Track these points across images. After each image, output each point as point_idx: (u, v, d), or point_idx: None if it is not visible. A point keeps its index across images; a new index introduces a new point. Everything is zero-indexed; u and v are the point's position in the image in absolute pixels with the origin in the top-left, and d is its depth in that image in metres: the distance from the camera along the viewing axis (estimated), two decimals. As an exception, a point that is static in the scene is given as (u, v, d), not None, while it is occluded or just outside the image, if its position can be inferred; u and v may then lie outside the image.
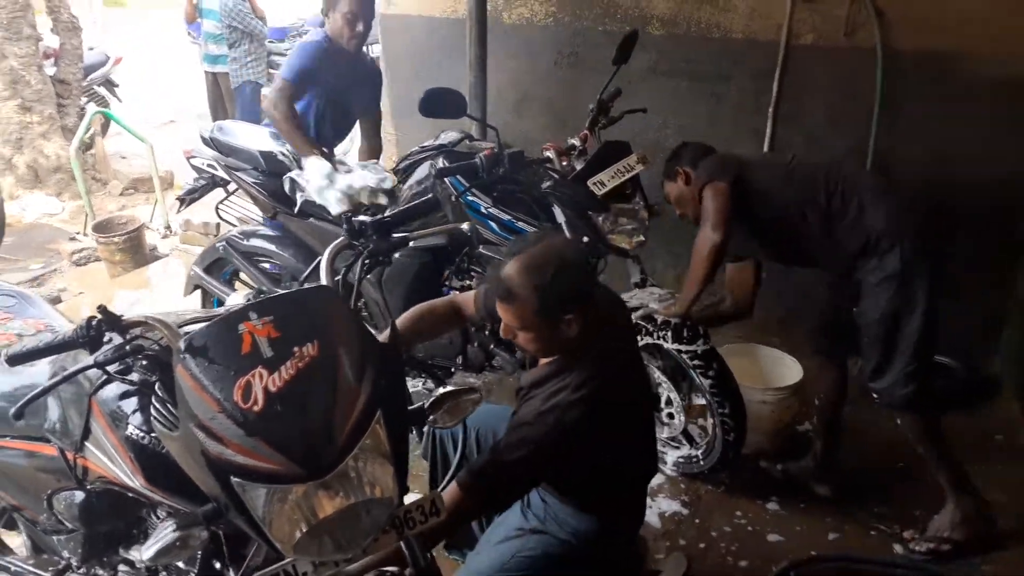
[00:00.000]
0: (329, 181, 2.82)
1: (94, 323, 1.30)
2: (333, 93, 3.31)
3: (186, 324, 1.45)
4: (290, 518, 1.21)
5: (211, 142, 3.13)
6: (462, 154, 2.74)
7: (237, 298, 3.05)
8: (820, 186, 2.47)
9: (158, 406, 1.33)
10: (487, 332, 2.89)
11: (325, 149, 3.05)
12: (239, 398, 1.19)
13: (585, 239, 2.60)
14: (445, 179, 2.68)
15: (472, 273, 2.85)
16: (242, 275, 3.24)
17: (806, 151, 3.42)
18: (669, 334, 2.62)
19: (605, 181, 2.60)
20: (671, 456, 2.91)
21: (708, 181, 2.55)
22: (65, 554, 1.74)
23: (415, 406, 1.49)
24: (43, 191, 5.97)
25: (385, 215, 1.52)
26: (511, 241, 2.52)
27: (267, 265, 3.17)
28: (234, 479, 1.20)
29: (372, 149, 3.65)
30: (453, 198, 2.67)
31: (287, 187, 2.96)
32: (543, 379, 1.78)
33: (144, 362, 1.35)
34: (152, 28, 13.95)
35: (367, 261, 1.48)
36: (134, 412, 1.42)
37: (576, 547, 1.89)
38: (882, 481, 2.86)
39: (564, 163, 2.77)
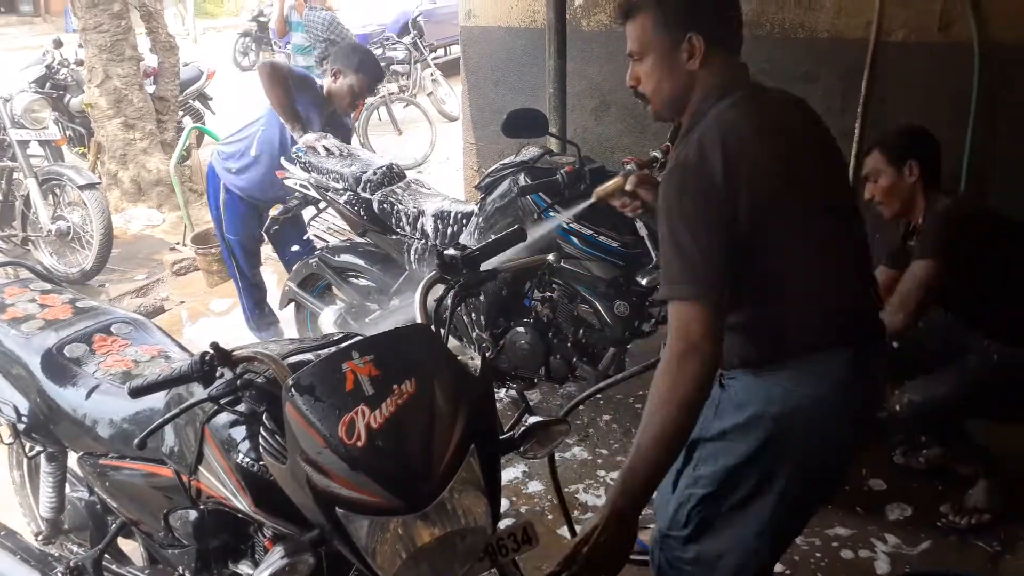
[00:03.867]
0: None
1: (207, 358, 1.39)
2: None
3: (290, 355, 1.54)
4: (391, 547, 1.26)
5: (303, 163, 3.25)
6: (543, 170, 2.76)
7: (329, 314, 3.20)
8: None
9: (266, 436, 1.40)
10: (569, 344, 2.91)
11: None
12: (343, 434, 1.25)
13: None
14: (527, 196, 2.72)
15: (554, 285, 2.88)
16: (334, 288, 3.35)
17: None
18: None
19: (688, 194, 2.56)
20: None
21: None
22: (179, 567, 1.86)
23: (506, 436, 1.53)
24: (145, 204, 6.28)
25: (475, 249, 1.57)
26: None
27: (357, 279, 3.27)
28: (339, 510, 1.26)
29: None
30: (535, 215, 2.70)
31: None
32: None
33: (253, 393, 1.44)
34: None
35: (458, 295, 1.53)
36: (243, 440, 1.49)
37: (780, 422, 1.50)
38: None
39: (646, 175, 2.75)
